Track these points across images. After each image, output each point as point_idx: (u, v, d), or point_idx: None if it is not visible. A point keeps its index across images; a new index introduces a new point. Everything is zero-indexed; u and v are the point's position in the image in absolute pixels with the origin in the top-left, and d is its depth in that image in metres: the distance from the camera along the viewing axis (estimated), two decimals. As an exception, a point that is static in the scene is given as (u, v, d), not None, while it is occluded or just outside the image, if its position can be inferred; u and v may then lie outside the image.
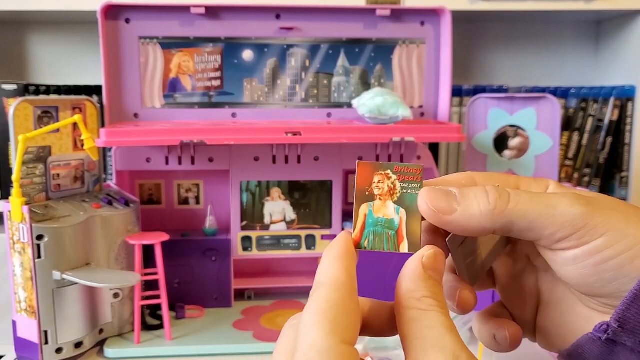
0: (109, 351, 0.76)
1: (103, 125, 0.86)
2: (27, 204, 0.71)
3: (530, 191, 0.28)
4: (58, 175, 0.78)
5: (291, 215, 0.91)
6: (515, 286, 0.33)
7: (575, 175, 1.20)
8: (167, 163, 0.89)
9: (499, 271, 0.33)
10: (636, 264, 0.26)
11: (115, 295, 0.78)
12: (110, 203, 0.80)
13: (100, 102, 0.85)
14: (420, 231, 0.28)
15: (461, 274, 0.31)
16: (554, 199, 0.27)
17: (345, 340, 0.22)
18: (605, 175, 1.20)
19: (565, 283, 0.29)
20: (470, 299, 0.30)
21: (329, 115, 0.93)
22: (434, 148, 1.16)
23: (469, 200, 0.27)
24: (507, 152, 0.90)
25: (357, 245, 0.28)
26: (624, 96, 1.16)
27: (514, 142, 0.89)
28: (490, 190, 0.27)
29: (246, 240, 0.91)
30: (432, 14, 0.92)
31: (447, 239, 0.29)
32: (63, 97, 0.98)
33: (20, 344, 0.74)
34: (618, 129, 1.17)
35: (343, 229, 0.92)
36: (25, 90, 1.08)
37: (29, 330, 0.72)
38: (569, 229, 0.26)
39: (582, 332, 0.28)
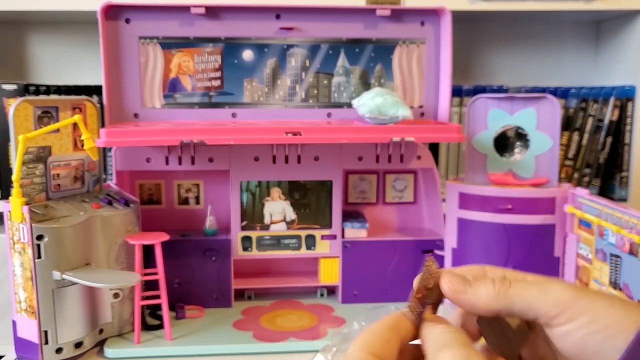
0: (109, 351, 0.76)
1: (103, 125, 0.86)
2: (27, 204, 0.71)
3: (529, 281, 0.36)
4: (58, 175, 0.78)
5: (291, 215, 0.91)
6: None
7: (575, 175, 1.20)
8: (167, 163, 0.89)
9: (525, 355, 0.39)
10: (620, 338, 0.31)
11: (115, 295, 0.78)
12: (110, 203, 0.80)
13: (100, 102, 0.85)
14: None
15: (494, 350, 0.38)
16: (548, 285, 0.34)
17: (373, 353, 0.32)
18: (605, 175, 1.21)
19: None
20: None
21: (329, 115, 0.93)
22: (434, 148, 1.16)
23: (478, 285, 0.35)
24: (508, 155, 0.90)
25: None
26: (624, 96, 1.16)
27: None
28: (497, 279, 0.35)
29: (246, 240, 0.91)
30: (432, 14, 0.92)
31: (476, 320, 0.38)
32: (63, 97, 0.98)
33: (20, 344, 0.74)
34: (618, 129, 1.17)
35: (343, 229, 0.92)
36: (25, 90, 1.08)
37: (29, 330, 0.72)
38: (560, 307, 0.33)
39: None
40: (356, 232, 0.92)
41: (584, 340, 0.33)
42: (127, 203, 0.82)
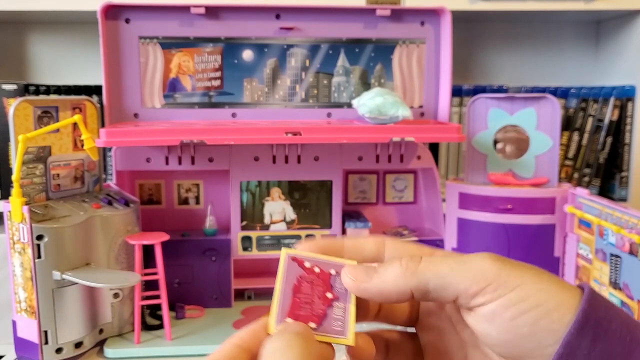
0: (109, 351, 0.76)
1: (103, 125, 0.86)
2: (27, 204, 0.71)
3: (446, 255, 0.30)
4: (58, 175, 0.78)
5: (291, 215, 0.91)
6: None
7: (575, 175, 1.20)
8: (167, 163, 0.89)
9: (429, 347, 0.34)
10: (554, 318, 0.26)
11: (115, 295, 0.78)
12: (110, 203, 0.80)
13: (100, 102, 0.85)
14: None
15: None
16: (466, 257, 0.29)
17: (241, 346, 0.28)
18: (605, 175, 1.21)
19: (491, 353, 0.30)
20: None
21: (329, 115, 0.93)
22: (434, 148, 1.16)
23: (383, 268, 0.30)
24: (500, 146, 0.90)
25: None
26: (624, 96, 1.16)
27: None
28: (404, 257, 0.30)
29: (246, 240, 0.91)
30: (432, 14, 0.92)
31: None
32: (63, 97, 0.98)
33: (20, 344, 0.74)
34: (618, 129, 1.17)
35: (344, 229, 0.92)
36: (25, 90, 1.08)
37: (29, 330, 0.72)
38: (481, 282, 0.28)
39: None
40: (359, 232, 0.92)
41: (514, 322, 0.27)
42: (127, 203, 0.82)
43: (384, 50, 0.92)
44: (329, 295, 0.31)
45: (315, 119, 0.93)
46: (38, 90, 1.10)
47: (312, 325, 0.30)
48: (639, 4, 1.10)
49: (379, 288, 0.30)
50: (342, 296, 0.31)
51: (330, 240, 0.33)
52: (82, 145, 0.77)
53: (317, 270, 0.32)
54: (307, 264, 0.32)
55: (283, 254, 0.32)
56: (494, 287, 0.27)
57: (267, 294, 0.95)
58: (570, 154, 1.19)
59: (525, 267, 0.28)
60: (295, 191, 0.91)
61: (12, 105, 0.72)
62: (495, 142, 0.90)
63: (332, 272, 0.32)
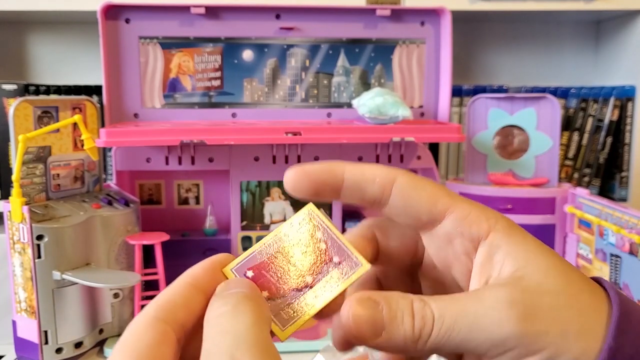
0: (109, 351, 0.76)
1: (103, 125, 0.86)
2: (27, 204, 0.71)
3: (459, 302, 0.25)
4: (58, 175, 0.78)
5: (291, 215, 0.91)
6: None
7: (575, 175, 1.20)
8: (167, 163, 0.89)
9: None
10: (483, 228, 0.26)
11: (115, 295, 0.78)
12: (110, 203, 0.80)
13: (100, 102, 0.85)
14: None
15: None
16: (485, 316, 0.24)
17: (165, 319, 0.24)
18: (605, 175, 1.21)
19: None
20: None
21: (329, 115, 0.93)
22: (434, 148, 1.16)
23: (395, 326, 0.25)
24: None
25: None
26: (624, 96, 1.16)
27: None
28: (417, 311, 0.25)
29: (246, 240, 0.91)
30: (432, 14, 0.92)
31: None
32: (63, 97, 0.98)
33: (20, 344, 0.74)
34: (618, 129, 1.17)
35: (344, 229, 0.92)
36: (25, 90, 1.08)
37: (29, 330, 0.72)
38: (500, 347, 0.24)
39: None
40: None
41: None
42: (127, 203, 0.82)
43: (384, 50, 0.92)
44: (309, 280, 0.26)
45: (315, 119, 0.93)
46: (38, 90, 1.10)
47: (265, 294, 0.26)
48: (639, 4, 1.10)
49: (383, 349, 0.26)
50: (320, 290, 0.26)
51: (329, 171, 0.27)
52: (82, 145, 0.77)
53: (322, 246, 0.27)
54: (317, 234, 0.27)
55: (306, 208, 0.28)
56: (515, 353, 0.24)
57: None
58: (570, 154, 1.19)
59: (554, 323, 0.24)
60: (295, 191, 0.91)
61: (12, 105, 0.72)
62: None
63: (335, 259, 0.27)
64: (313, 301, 0.26)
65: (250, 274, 0.27)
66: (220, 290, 0.25)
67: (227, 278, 0.27)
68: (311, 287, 0.26)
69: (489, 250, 0.26)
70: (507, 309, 0.24)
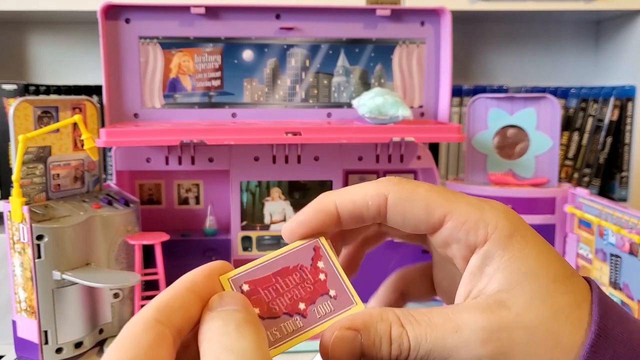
0: (109, 351, 0.76)
1: (103, 125, 0.86)
2: (27, 204, 0.71)
3: (436, 329, 0.25)
4: (58, 175, 0.78)
5: (291, 215, 0.91)
6: None
7: (575, 175, 1.20)
8: (167, 163, 0.89)
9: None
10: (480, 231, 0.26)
11: (115, 295, 0.78)
12: (110, 203, 0.80)
13: (100, 102, 0.85)
14: None
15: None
16: (459, 349, 0.24)
17: (163, 322, 0.23)
18: (605, 175, 1.21)
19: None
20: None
21: (329, 115, 0.93)
22: (434, 148, 1.16)
23: (372, 352, 0.25)
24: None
25: None
26: (624, 96, 1.16)
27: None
28: (395, 338, 0.25)
29: (246, 240, 0.91)
30: (432, 14, 0.92)
31: None
32: (63, 97, 0.98)
33: (20, 344, 0.74)
34: (618, 129, 1.17)
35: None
36: (25, 90, 1.08)
37: (29, 330, 0.72)
38: None
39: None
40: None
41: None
42: (127, 203, 0.82)
43: (384, 50, 0.92)
44: (301, 306, 0.27)
45: (315, 119, 0.93)
46: (38, 90, 1.10)
47: (256, 311, 0.26)
48: (639, 4, 1.10)
49: None
50: (311, 319, 0.27)
51: (321, 211, 0.28)
52: (82, 145, 0.77)
53: (322, 277, 0.27)
54: (320, 264, 0.28)
55: (316, 238, 0.28)
56: None
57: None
58: (570, 154, 1.19)
59: (525, 357, 0.24)
60: (295, 191, 0.91)
61: (12, 105, 0.72)
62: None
63: (332, 292, 0.27)
64: (301, 329, 0.26)
65: (246, 287, 0.27)
66: (215, 305, 0.25)
67: (223, 288, 0.27)
68: (303, 315, 0.27)
69: (482, 262, 0.26)
70: (481, 346, 0.24)
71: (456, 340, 0.24)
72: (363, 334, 0.25)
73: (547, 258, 0.26)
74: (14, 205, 0.70)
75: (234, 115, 0.91)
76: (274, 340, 0.26)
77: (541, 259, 0.25)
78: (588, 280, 0.26)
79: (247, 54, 0.90)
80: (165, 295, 0.25)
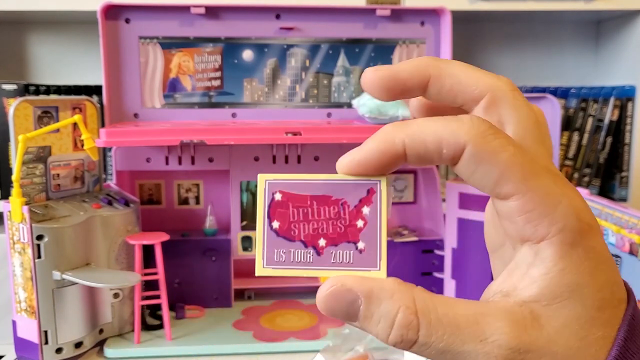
0: (109, 351, 0.76)
1: (103, 125, 0.86)
2: (27, 204, 0.71)
3: (457, 331, 0.22)
4: (58, 175, 0.78)
5: (291, 215, 0.91)
6: None
7: (575, 175, 1.20)
8: (167, 163, 0.89)
9: None
10: None
11: (115, 295, 0.78)
12: (110, 203, 0.80)
13: (100, 102, 0.85)
14: None
15: None
16: (484, 330, 0.22)
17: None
18: (605, 175, 1.21)
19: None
20: None
21: (329, 115, 0.93)
22: (434, 148, 1.16)
23: (367, 324, 0.23)
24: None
25: None
26: (624, 96, 1.16)
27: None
28: (398, 325, 0.22)
29: (246, 240, 0.91)
30: (432, 14, 0.92)
31: None
32: (63, 97, 0.98)
33: (20, 344, 0.74)
34: (618, 129, 1.17)
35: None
36: (25, 90, 1.08)
37: (29, 330, 0.72)
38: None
39: None
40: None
41: None
42: (127, 203, 0.82)
43: (384, 50, 0.92)
44: (321, 243, 0.24)
45: (315, 119, 0.93)
46: (38, 90, 1.10)
47: (276, 224, 0.24)
48: (639, 4, 1.10)
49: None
50: (324, 260, 0.24)
51: (389, 153, 0.25)
52: (82, 145, 0.77)
53: (359, 224, 0.24)
54: (366, 209, 0.24)
55: (379, 178, 0.25)
56: None
57: (267, 294, 0.95)
58: (570, 154, 1.19)
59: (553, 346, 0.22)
60: (295, 191, 0.91)
61: (12, 105, 0.72)
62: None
63: (360, 245, 0.24)
64: (309, 264, 0.24)
65: (278, 196, 0.25)
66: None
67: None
68: (318, 252, 0.24)
69: (531, 261, 0.23)
70: (512, 329, 0.22)
71: (477, 350, 0.22)
72: (363, 302, 0.23)
73: (601, 280, 0.23)
74: (14, 205, 0.70)
75: (234, 115, 0.91)
76: (277, 261, 0.24)
77: (594, 278, 0.23)
78: (628, 294, 0.24)
79: (247, 54, 0.90)
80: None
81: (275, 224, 0.24)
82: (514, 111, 0.26)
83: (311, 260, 0.24)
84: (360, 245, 0.24)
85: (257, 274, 0.24)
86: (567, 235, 0.22)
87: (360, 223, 0.24)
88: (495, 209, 0.24)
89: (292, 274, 0.24)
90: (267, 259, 0.24)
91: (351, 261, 0.24)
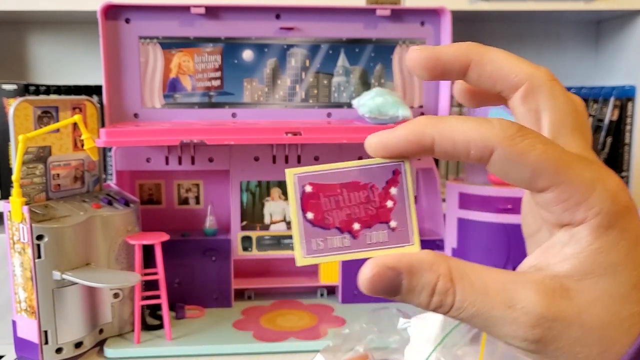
0: (109, 351, 0.76)
1: (103, 125, 0.86)
2: (27, 204, 0.71)
3: (486, 298, 0.23)
4: (58, 175, 0.78)
5: (291, 215, 0.91)
6: None
7: (575, 175, 1.20)
8: (167, 163, 0.89)
9: None
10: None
11: (115, 295, 0.78)
12: (110, 203, 0.80)
13: (100, 102, 0.85)
14: None
15: None
16: (504, 324, 0.23)
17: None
18: (605, 175, 1.20)
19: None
20: None
21: (329, 115, 0.93)
22: (434, 148, 1.16)
23: (410, 296, 0.24)
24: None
25: None
26: (624, 96, 1.16)
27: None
28: (438, 292, 0.24)
29: (246, 240, 0.91)
30: (432, 14, 0.92)
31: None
32: (63, 97, 0.98)
33: (20, 344, 0.74)
34: (618, 129, 1.17)
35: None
36: (25, 90, 1.08)
37: (29, 330, 0.72)
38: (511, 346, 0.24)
39: None
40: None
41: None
42: (127, 203, 0.82)
43: (384, 50, 0.92)
44: (356, 227, 0.26)
45: (315, 119, 0.93)
46: (38, 90, 1.10)
47: (310, 216, 0.26)
48: (639, 4, 1.10)
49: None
50: (360, 242, 0.26)
51: (417, 144, 0.25)
52: (82, 145, 0.77)
53: (389, 204, 0.26)
54: (393, 190, 0.26)
55: (401, 161, 0.26)
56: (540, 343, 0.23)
57: (267, 294, 0.95)
58: (570, 154, 1.19)
59: (569, 348, 0.23)
60: (295, 191, 0.91)
61: (12, 105, 0.72)
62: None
63: (392, 223, 0.26)
64: (346, 249, 0.26)
65: (309, 189, 0.26)
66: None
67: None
68: (353, 236, 0.26)
69: (567, 240, 0.23)
70: (529, 330, 0.23)
71: (505, 316, 0.23)
72: (405, 277, 0.24)
73: (638, 259, 0.23)
74: (14, 205, 0.70)
75: (234, 115, 0.91)
76: (315, 250, 0.26)
77: (630, 257, 0.23)
78: None
79: (247, 54, 0.90)
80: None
81: (310, 215, 0.26)
82: (551, 100, 0.26)
83: (348, 245, 0.26)
84: (393, 224, 0.26)
85: (297, 264, 0.26)
86: (604, 218, 0.23)
87: (389, 203, 0.26)
88: (532, 199, 0.25)
89: (331, 260, 0.26)
90: (306, 249, 0.26)
91: (386, 240, 0.26)
